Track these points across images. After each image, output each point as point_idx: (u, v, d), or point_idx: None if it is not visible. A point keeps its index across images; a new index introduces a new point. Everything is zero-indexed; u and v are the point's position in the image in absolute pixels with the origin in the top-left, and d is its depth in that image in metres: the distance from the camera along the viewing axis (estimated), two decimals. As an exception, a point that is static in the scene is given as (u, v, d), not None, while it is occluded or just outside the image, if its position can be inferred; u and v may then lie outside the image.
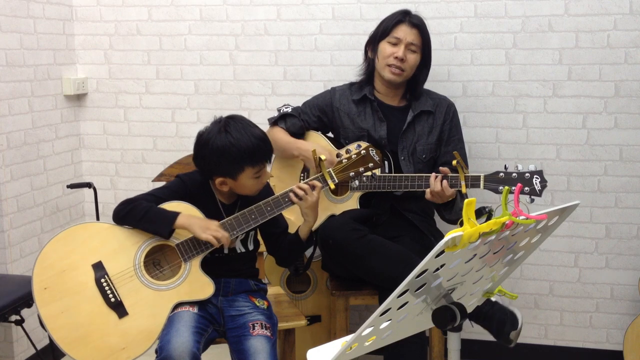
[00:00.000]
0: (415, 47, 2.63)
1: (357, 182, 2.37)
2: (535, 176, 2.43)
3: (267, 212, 2.22)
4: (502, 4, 2.92)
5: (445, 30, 2.97)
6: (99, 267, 2.14)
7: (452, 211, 2.58)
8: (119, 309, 2.11)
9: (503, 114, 2.99)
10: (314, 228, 2.64)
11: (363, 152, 2.30)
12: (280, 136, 2.74)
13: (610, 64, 2.87)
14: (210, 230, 2.13)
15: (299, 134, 2.77)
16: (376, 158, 2.30)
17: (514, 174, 2.45)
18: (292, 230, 2.40)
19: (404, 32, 2.61)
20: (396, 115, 2.71)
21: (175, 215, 2.15)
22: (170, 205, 2.20)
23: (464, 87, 3.01)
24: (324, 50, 3.11)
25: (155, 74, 3.29)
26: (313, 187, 2.27)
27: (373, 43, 2.70)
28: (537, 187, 2.42)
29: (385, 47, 2.64)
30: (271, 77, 3.18)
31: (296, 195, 2.25)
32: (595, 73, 2.89)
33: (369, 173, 2.32)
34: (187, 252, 2.18)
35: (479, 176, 2.47)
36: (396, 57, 2.60)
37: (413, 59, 2.63)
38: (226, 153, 2.14)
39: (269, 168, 2.81)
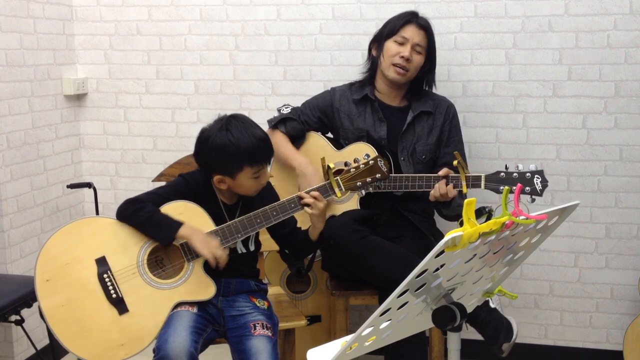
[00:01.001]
0: (421, 48, 2.63)
1: (363, 191, 2.37)
2: (536, 176, 2.43)
3: (273, 217, 2.22)
4: (502, 4, 2.92)
5: (445, 30, 2.97)
6: (102, 262, 2.13)
7: (450, 207, 2.58)
8: (119, 305, 2.11)
9: (503, 114, 2.99)
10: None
11: (371, 162, 2.30)
12: (280, 143, 2.73)
13: (610, 64, 2.87)
14: (210, 247, 2.12)
15: (300, 137, 2.77)
16: (384, 169, 2.30)
17: (515, 174, 2.45)
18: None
19: (412, 33, 2.62)
20: (396, 116, 2.71)
21: (178, 225, 2.14)
22: (174, 205, 2.19)
23: (464, 87, 3.01)
24: (324, 50, 3.11)
25: (155, 74, 3.29)
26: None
27: (379, 41, 2.70)
28: (538, 186, 2.42)
29: (391, 46, 2.64)
30: (271, 77, 3.18)
31: (307, 205, 2.25)
32: (595, 73, 2.89)
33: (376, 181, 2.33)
34: (190, 252, 2.17)
35: (480, 176, 2.48)
36: (402, 57, 2.60)
37: (418, 59, 2.64)
38: (225, 151, 2.14)
39: (269, 168, 2.82)
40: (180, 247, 2.18)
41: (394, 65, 2.62)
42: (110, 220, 2.20)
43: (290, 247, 2.43)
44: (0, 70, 2.83)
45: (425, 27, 2.65)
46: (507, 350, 2.25)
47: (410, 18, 2.65)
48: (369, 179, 2.30)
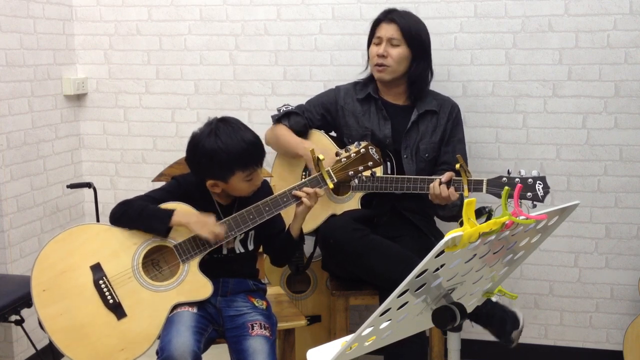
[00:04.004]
0: (396, 40, 2.63)
1: (356, 181, 2.35)
2: (538, 182, 2.43)
3: (266, 212, 2.22)
4: (502, 4, 2.92)
5: (445, 30, 2.97)
6: (97, 269, 2.14)
7: (445, 207, 2.58)
8: (117, 310, 2.11)
9: (503, 114, 2.99)
10: (313, 228, 2.65)
11: (362, 150, 2.27)
12: (284, 134, 2.74)
13: (610, 64, 2.87)
14: (208, 226, 2.13)
15: (302, 132, 2.77)
16: (376, 156, 2.28)
17: (517, 179, 2.44)
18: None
19: (384, 30, 2.65)
20: (400, 114, 2.72)
21: (170, 212, 2.14)
22: (167, 206, 2.19)
23: (464, 87, 3.01)
24: (324, 50, 3.11)
25: (155, 74, 3.29)
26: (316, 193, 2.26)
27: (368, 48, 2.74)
28: (540, 192, 2.42)
29: (372, 49, 2.69)
30: (271, 77, 3.18)
31: (299, 197, 2.24)
32: (595, 73, 2.89)
33: (367, 173, 2.30)
34: (185, 253, 2.17)
35: (482, 180, 2.47)
36: (378, 55, 2.62)
37: (396, 52, 2.63)
38: (215, 157, 2.13)
39: (269, 168, 2.82)
40: (174, 248, 2.18)
41: (374, 65, 2.66)
42: (104, 227, 2.21)
43: (273, 250, 2.40)
44: (0, 70, 2.83)
45: (394, 19, 2.64)
46: (517, 338, 2.25)
47: (382, 17, 2.69)
48: (361, 167, 2.28)
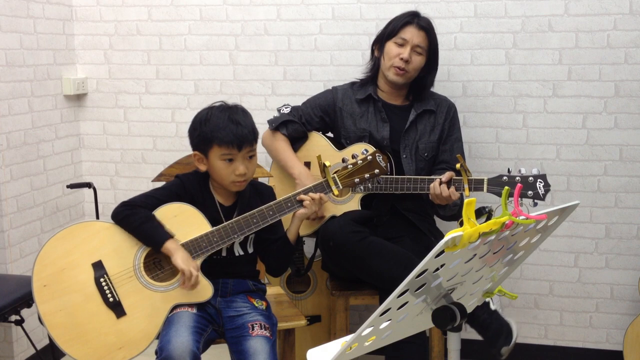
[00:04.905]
0: (421, 49, 2.63)
1: (361, 187, 2.34)
2: (538, 180, 2.43)
3: (269, 217, 2.21)
4: (502, 4, 2.92)
5: (445, 30, 2.97)
6: (98, 267, 2.14)
7: (446, 207, 2.58)
8: (117, 308, 2.11)
9: (503, 114, 2.99)
10: (313, 230, 2.64)
11: (369, 157, 2.25)
12: (282, 149, 2.73)
13: (610, 64, 2.87)
14: (190, 264, 2.10)
15: (301, 138, 2.77)
16: (382, 164, 2.26)
17: (517, 178, 2.44)
18: None
19: (411, 34, 2.62)
20: (398, 114, 2.72)
21: (166, 238, 2.13)
22: (169, 207, 2.19)
23: (464, 87, 3.01)
24: (323, 50, 3.11)
25: (155, 74, 3.29)
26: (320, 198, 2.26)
27: (380, 42, 2.71)
28: (541, 191, 2.43)
29: (391, 48, 2.64)
30: (271, 77, 3.18)
31: (303, 201, 2.23)
32: (595, 73, 2.89)
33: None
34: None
35: (483, 180, 2.47)
36: (401, 58, 2.60)
37: (418, 61, 2.64)
38: (200, 124, 2.19)
39: (267, 168, 2.82)
40: None
41: (394, 67, 2.63)
42: (106, 224, 2.20)
43: (269, 256, 2.35)
44: (0, 70, 2.83)
45: (425, 28, 2.65)
46: (507, 354, 2.26)
47: (410, 19, 2.64)
48: (367, 175, 2.27)
